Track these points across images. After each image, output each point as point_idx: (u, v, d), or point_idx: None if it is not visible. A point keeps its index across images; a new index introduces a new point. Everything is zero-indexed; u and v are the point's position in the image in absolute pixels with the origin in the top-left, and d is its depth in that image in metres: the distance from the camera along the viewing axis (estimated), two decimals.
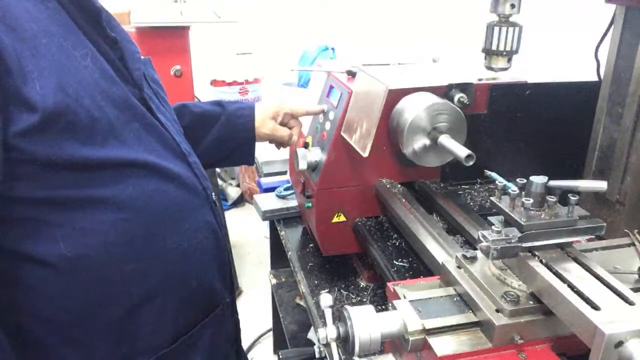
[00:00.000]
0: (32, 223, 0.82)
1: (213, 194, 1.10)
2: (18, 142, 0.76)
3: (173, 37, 2.91)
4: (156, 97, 1.05)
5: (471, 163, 1.02)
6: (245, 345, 2.72)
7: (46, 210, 0.82)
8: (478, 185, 1.39)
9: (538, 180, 0.78)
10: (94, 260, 0.86)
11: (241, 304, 3.05)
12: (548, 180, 0.79)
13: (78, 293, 0.88)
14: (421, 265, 1.12)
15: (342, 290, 1.35)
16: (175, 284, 0.98)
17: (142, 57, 1.02)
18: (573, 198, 0.76)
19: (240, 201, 4.24)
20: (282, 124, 1.40)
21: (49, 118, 0.77)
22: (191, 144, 1.10)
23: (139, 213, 0.89)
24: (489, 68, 1.14)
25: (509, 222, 0.79)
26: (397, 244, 1.24)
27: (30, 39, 0.77)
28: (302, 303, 1.86)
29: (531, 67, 1.41)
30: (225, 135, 1.34)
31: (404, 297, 0.83)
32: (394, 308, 0.80)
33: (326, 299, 0.84)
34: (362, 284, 1.38)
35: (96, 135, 0.83)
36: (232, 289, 1.19)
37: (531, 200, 0.78)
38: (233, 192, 4.21)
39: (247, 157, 1.40)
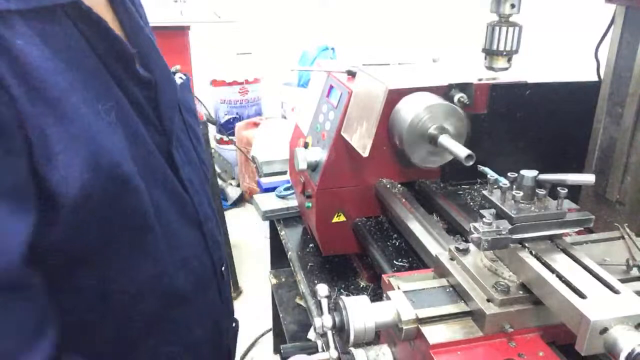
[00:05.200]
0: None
1: (223, 267, 0.99)
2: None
3: (173, 37, 2.91)
4: (188, 134, 0.93)
5: (471, 163, 1.02)
6: (245, 345, 2.73)
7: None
8: (478, 185, 1.39)
9: (528, 173, 0.80)
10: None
11: (241, 304, 3.07)
12: (538, 174, 0.80)
13: None
14: (421, 265, 1.12)
15: (342, 290, 1.35)
16: None
17: (182, 79, 0.90)
18: (562, 191, 0.77)
19: (240, 201, 4.24)
20: None
21: (75, 206, 0.62)
22: None
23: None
24: (489, 68, 1.14)
25: (500, 214, 0.80)
26: (397, 244, 1.24)
27: (55, 99, 0.60)
28: (302, 303, 1.86)
29: (531, 67, 1.41)
30: None
31: (398, 287, 0.84)
32: (388, 298, 0.81)
33: (322, 288, 0.87)
34: (362, 284, 1.38)
35: None
36: None
37: (521, 193, 0.79)
38: (233, 192, 4.21)
39: None
